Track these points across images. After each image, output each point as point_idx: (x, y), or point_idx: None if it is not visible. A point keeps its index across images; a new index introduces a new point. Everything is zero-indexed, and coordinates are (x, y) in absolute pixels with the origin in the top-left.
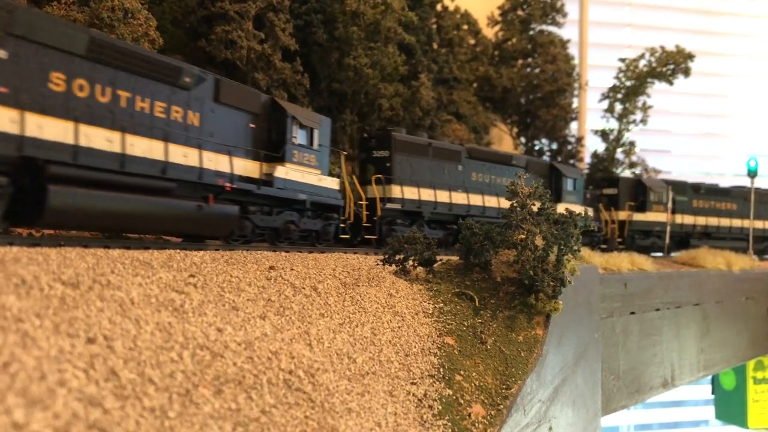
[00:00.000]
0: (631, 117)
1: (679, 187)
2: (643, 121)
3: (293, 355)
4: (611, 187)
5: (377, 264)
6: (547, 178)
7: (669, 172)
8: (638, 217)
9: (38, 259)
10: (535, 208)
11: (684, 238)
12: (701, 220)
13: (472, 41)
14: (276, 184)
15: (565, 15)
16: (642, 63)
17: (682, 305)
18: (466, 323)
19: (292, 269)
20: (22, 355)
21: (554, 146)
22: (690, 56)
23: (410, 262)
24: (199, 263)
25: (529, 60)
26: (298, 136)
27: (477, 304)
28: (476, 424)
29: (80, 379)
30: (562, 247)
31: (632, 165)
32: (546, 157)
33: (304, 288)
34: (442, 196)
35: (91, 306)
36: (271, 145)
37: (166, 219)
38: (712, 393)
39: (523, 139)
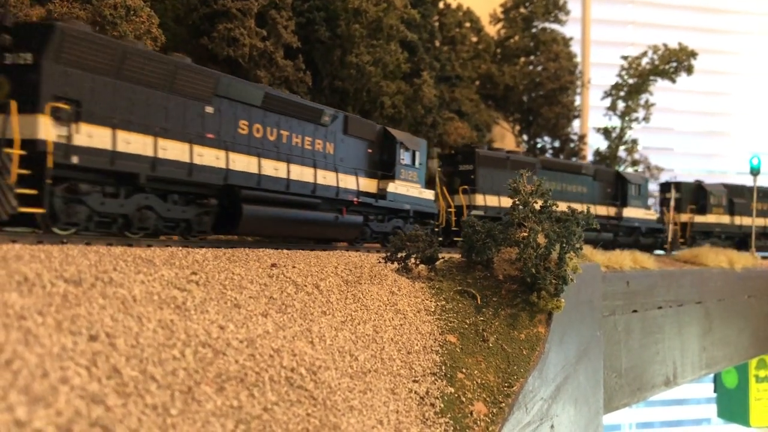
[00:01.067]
0: (634, 115)
1: (737, 190)
2: (646, 118)
3: (295, 352)
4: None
5: (379, 262)
6: (614, 185)
7: (671, 170)
8: (699, 219)
9: (41, 256)
10: (537, 206)
11: (743, 239)
12: (760, 221)
13: (474, 39)
14: (388, 198)
15: (567, 12)
16: (645, 60)
17: (685, 303)
18: (468, 321)
19: (294, 267)
20: (25, 353)
21: (556, 144)
22: (693, 54)
23: (412, 260)
24: (201, 261)
25: (532, 58)
26: (405, 158)
27: (479, 302)
28: (478, 422)
29: (82, 377)
30: (564, 245)
31: (634, 163)
32: (548, 155)
33: (306, 286)
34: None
35: (93, 303)
36: (383, 166)
37: (315, 226)
38: (714, 391)
39: (525, 137)
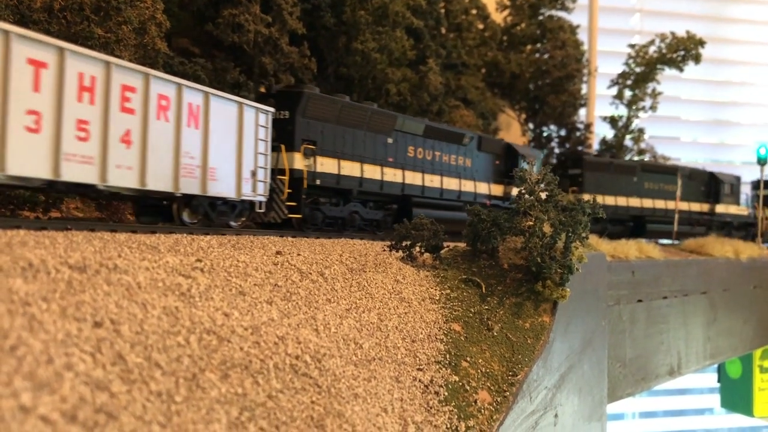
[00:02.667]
0: (641, 104)
1: None
2: (653, 107)
3: (300, 340)
4: (766, 188)
5: (384, 250)
6: (707, 183)
7: (678, 159)
8: None
9: (45, 242)
10: (543, 195)
11: None
12: None
13: (480, 26)
14: (511, 200)
15: (574, 0)
16: (652, 49)
17: (690, 293)
18: (472, 310)
19: (298, 255)
20: (29, 339)
21: (563, 133)
22: (701, 42)
23: (417, 249)
24: (206, 248)
25: (538, 45)
26: (524, 167)
27: (484, 290)
28: (482, 411)
29: (87, 363)
30: (570, 234)
31: (641, 152)
32: (554, 144)
33: (310, 273)
34: (621, 201)
35: (98, 290)
36: (508, 174)
37: (460, 224)
38: (718, 381)
39: (531, 126)
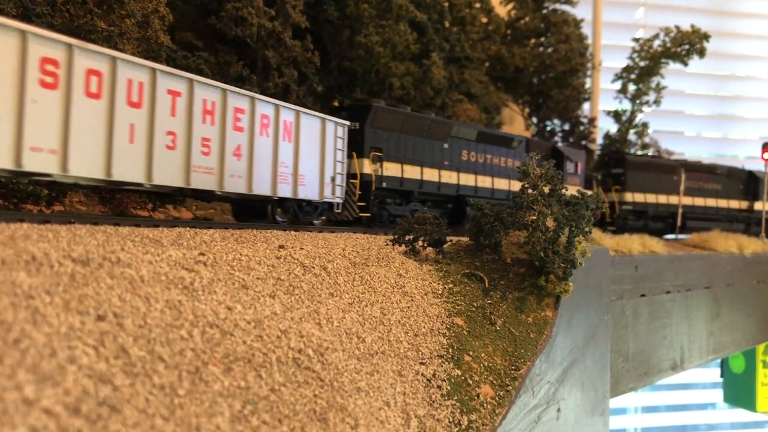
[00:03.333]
0: (645, 98)
1: None
2: (657, 102)
3: (302, 334)
4: None
5: (387, 244)
6: (746, 182)
7: (682, 153)
8: None
9: (48, 236)
10: (546, 190)
11: None
12: None
13: (484, 20)
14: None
15: None
16: (656, 43)
17: (693, 288)
18: (475, 304)
19: (301, 248)
20: (33, 332)
21: (566, 127)
22: (705, 36)
23: (420, 243)
24: (209, 241)
25: (542, 39)
26: (570, 167)
27: (487, 285)
28: (485, 405)
29: (90, 356)
30: (573, 228)
31: (645, 146)
32: (558, 138)
33: (313, 267)
34: (662, 199)
35: (101, 283)
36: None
37: None
38: (721, 376)
39: (534, 120)
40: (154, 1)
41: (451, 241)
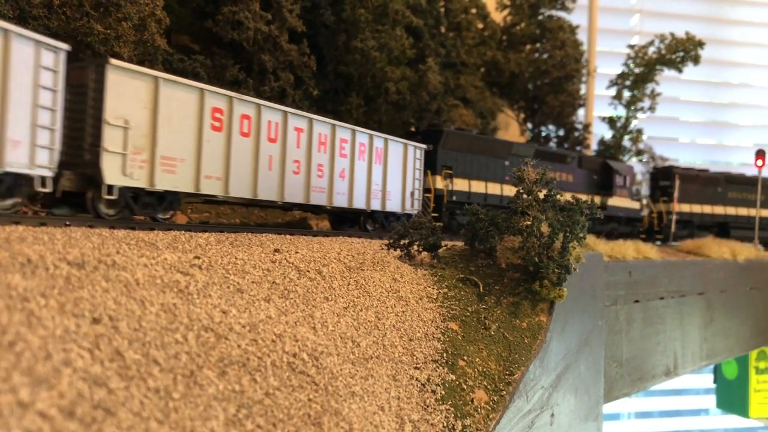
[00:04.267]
0: (639, 104)
1: None
2: (651, 108)
3: (297, 338)
4: None
5: (382, 248)
6: None
7: (676, 160)
8: None
9: (44, 238)
10: (541, 195)
11: None
12: None
13: (480, 25)
14: (609, 209)
15: (574, 0)
16: (651, 50)
17: (687, 294)
18: (470, 309)
19: (296, 252)
20: (28, 335)
21: (561, 132)
22: (700, 44)
23: (415, 247)
24: (204, 245)
25: (538, 45)
26: (619, 181)
27: (481, 290)
28: (479, 410)
29: (85, 359)
30: (567, 234)
31: (639, 153)
32: (552, 144)
33: (308, 271)
34: (707, 209)
35: (96, 286)
36: (604, 187)
37: None
38: (714, 382)
39: (529, 125)
40: (150, 4)
41: (446, 245)
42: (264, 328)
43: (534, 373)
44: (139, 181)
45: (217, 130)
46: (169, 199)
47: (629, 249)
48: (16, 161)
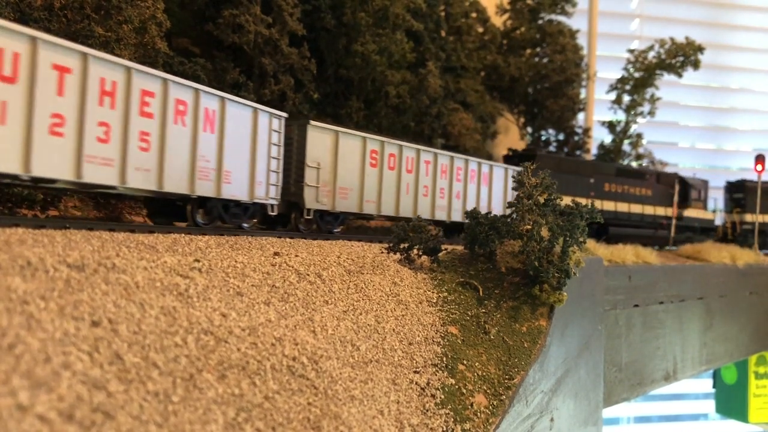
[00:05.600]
0: (639, 109)
1: None
2: (651, 113)
3: (297, 341)
4: None
5: (382, 252)
6: None
7: (675, 164)
8: None
9: (44, 241)
10: (541, 199)
11: None
12: None
13: (480, 29)
14: (684, 220)
15: (574, 5)
16: (651, 54)
17: (686, 299)
18: (470, 313)
19: (296, 256)
20: (27, 337)
21: (561, 137)
22: (700, 48)
23: (415, 251)
24: (204, 248)
25: (538, 49)
26: (694, 194)
27: (481, 294)
28: (478, 414)
29: (84, 362)
30: (567, 238)
31: (639, 157)
32: (552, 148)
33: (308, 275)
34: None
35: (96, 289)
36: (680, 199)
37: (643, 237)
38: (713, 387)
39: (529, 129)
40: (151, 7)
41: (446, 249)
42: (264, 331)
43: (534, 377)
44: (326, 205)
45: (374, 167)
46: (341, 218)
47: (629, 253)
48: (259, 195)
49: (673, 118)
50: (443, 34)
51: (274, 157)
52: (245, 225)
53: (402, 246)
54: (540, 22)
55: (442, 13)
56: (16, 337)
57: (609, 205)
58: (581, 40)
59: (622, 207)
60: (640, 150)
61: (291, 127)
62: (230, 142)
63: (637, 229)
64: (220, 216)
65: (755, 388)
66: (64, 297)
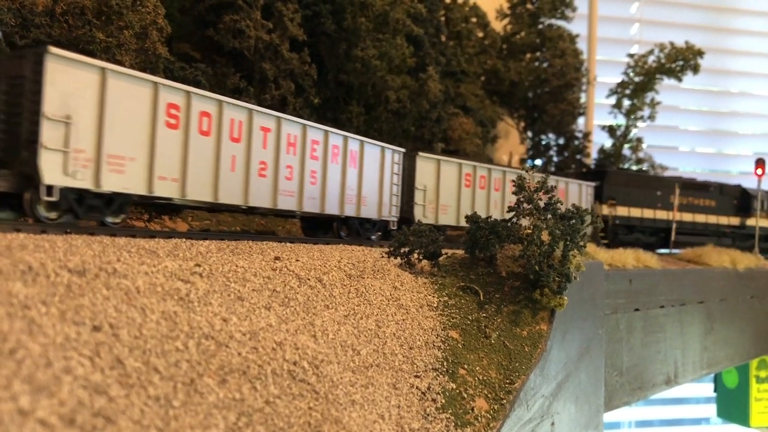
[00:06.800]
0: (639, 113)
1: None
2: (651, 117)
3: (298, 346)
4: None
5: (382, 256)
6: None
7: (676, 168)
8: None
9: (45, 246)
10: (541, 203)
11: None
12: None
13: (480, 34)
14: (747, 228)
15: (574, 9)
16: (651, 59)
17: (687, 303)
18: (470, 317)
19: (297, 260)
20: (28, 342)
21: (561, 141)
22: (699, 53)
23: (415, 255)
24: (204, 252)
25: (538, 54)
26: (755, 204)
27: (482, 298)
28: (479, 418)
29: (85, 367)
30: (568, 242)
31: (639, 161)
32: (552, 153)
33: (309, 279)
34: None
35: (97, 294)
36: (743, 209)
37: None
38: (714, 391)
39: (529, 134)
40: (152, 12)
41: (446, 254)
42: (264, 336)
43: (534, 381)
44: (431, 220)
45: (468, 186)
46: (443, 230)
47: (629, 257)
48: (384, 214)
49: (673, 122)
50: (443, 38)
51: (395, 184)
52: (373, 237)
53: (402, 250)
54: (540, 26)
55: (442, 18)
56: (18, 341)
57: (674, 216)
58: (581, 45)
59: (687, 217)
60: (641, 154)
61: (405, 155)
62: (366, 174)
63: (701, 237)
64: (357, 231)
65: (756, 392)
66: (65, 302)
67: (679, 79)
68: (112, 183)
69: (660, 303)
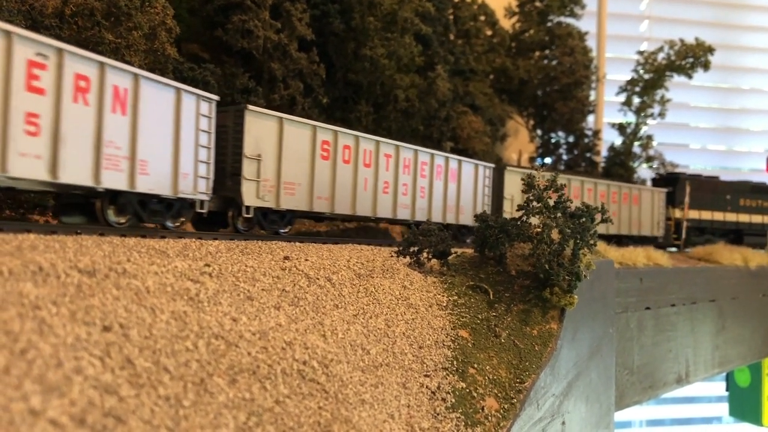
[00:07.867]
0: (649, 110)
1: None
2: (661, 114)
3: (307, 345)
4: None
5: (391, 256)
6: None
7: (686, 166)
8: None
9: (55, 246)
10: (551, 202)
11: None
12: None
13: (489, 32)
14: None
15: (583, 7)
16: (660, 56)
17: (698, 301)
18: (480, 316)
19: (306, 260)
20: (39, 342)
21: (571, 139)
22: (710, 49)
23: (424, 255)
24: (214, 252)
25: (547, 52)
26: None
27: (491, 297)
28: (489, 418)
29: (96, 367)
30: (578, 241)
31: (649, 159)
32: (562, 151)
33: (318, 279)
34: None
35: (107, 294)
36: None
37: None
38: (727, 390)
39: (539, 132)
40: (161, 13)
41: (455, 252)
42: (274, 335)
43: (545, 380)
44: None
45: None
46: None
47: (640, 256)
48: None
49: (683, 120)
50: (452, 37)
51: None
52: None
53: (411, 249)
54: (549, 24)
55: (451, 17)
56: (29, 342)
57: (744, 218)
58: (590, 42)
59: (756, 218)
60: (651, 152)
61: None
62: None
63: (757, 237)
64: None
65: None
66: (76, 302)
67: (690, 76)
68: (287, 203)
69: (671, 301)
